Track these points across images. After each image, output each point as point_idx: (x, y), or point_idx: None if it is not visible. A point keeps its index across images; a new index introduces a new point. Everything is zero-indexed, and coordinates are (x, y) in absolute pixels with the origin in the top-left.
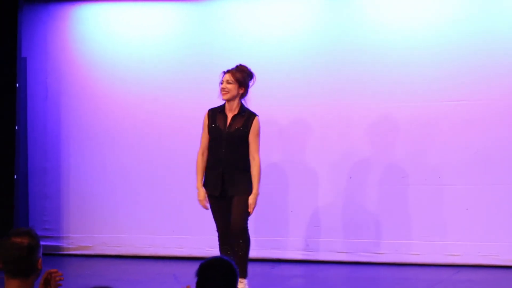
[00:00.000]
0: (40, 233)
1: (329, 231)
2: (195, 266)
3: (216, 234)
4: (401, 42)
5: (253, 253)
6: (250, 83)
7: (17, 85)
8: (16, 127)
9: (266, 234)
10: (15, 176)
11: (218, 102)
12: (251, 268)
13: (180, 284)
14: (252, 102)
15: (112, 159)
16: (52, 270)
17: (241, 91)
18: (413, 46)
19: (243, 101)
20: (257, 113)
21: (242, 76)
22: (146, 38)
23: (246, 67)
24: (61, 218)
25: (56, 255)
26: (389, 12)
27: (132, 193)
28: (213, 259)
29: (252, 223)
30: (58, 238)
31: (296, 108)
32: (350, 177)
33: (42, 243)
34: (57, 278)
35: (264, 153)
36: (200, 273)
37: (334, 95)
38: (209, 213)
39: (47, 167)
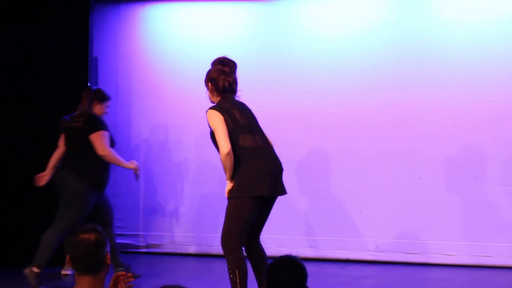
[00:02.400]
0: None
1: (398, 231)
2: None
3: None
4: (468, 39)
5: (323, 253)
6: (214, 74)
7: (89, 84)
8: None
9: (336, 234)
10: None
11: (293, 103)
12: (321, 268)
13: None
14: (323, 99)
15: (182, 158)
16: (121, 272)
17: (211, 90)
18: (479, 44)
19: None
20: (318, 110)
21: (205, 78)
22: (215, 38)
23: (214, 60)
24: (132, 216)
25: (127, 253)
26: (458, 9)
27: (202, 192)
28: (281, 258)
29: (322, 224)
30: (128, 236)
31: (365, 107)
32: (420, 178)
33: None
34: (126, 280)
35: (336, 152)
36: (269, 273)
37: (404, 94)
38: (278, 213)
39: (118, 166)
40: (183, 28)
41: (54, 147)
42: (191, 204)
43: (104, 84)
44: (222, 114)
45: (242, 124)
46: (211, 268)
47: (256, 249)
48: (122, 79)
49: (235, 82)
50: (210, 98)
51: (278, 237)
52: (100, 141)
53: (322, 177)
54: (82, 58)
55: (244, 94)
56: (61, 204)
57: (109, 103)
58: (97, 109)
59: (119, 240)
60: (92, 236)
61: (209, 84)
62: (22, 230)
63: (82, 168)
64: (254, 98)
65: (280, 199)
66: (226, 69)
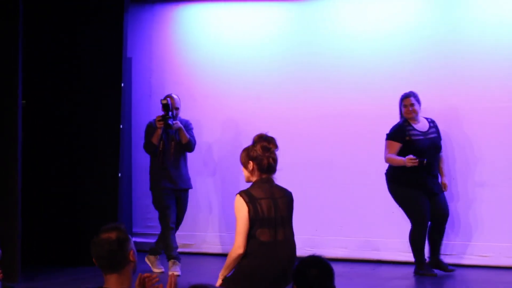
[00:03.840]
0: (143, 231)
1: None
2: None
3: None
4: (498, 39)
5: (354, 253)
6: (258, 152)
7: (122, 84)
8: (121, 126)
9: (367, 235)
10: (120, 174)
11: (327, 102)
12: (352, 269)
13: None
14: (356, 98)
15: (214, 158)
16: (146, 274)
17: (252, 169)
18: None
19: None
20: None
21: (242, 156)
22: (248, 38)
23: (255, 137)
24: None
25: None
26: (494, 8)
27: (233, 192)
28: (309, 257)
29: (354, 224)
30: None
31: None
32: (453, 178)
33: (145, 240)
34: (153, 281)
35: (369, 152)
36: (298, 273)
37: (440, 91)
38: (309, 214)
39: None
40: (216, 28)
41: (86, 146)
42: (223, 204)
43: (137, 84)
44: (248, 205)
45: (266, 217)
46: None
47: None
48: (155, 79)
49: (276, 160)
50: (247, 178)
51: (310, 238)
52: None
53: (354, 177)
54: (116, 58)
55: (277, 93)
56: None
57: (406, 101)
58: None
59: (151, 240)
60: (112, 235)
61: (251, 162)
62: (53, 230)
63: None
64: (286, 97)
65: (311, 200)
66: (272, 146)
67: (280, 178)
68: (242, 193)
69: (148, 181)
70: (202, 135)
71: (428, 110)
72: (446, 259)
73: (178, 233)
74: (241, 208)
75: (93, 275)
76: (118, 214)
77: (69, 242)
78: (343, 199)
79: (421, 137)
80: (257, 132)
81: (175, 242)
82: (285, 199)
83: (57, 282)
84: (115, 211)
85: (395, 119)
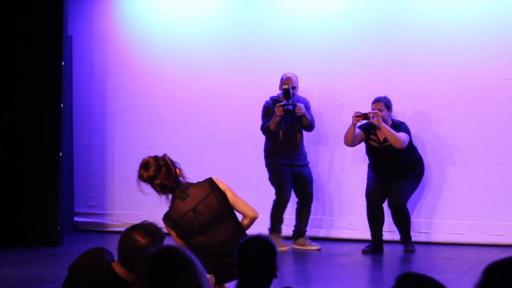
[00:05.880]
0: (85, 210)
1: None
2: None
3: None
4: (444, 21)
5: None
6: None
7: (63, 63)
8: (62, 105)
9: (312, 212)
10: (61, 154)
11: (262, 82)
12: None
13: None
14: (300, 80)
15: (155, 137)
16: None
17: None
18: (455, 24)
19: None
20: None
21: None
22: (191, 16)
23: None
24: (106, 195)
25: (101, 231)
26: None
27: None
28: (252, 237)
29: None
30: (102, 215)
31: (342, 87)
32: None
33: (87, 220)
34: None
35: (316, 132)
36: (239, 251)
37: (378, 73)
38: (254, 192)
39: (92, 145)
40: (158, 7)
41: (27, 125)
42: None
43: (78, 63)
44: (173, 229)
45: (195, 228)
46: None
47: None
48: (97, 57)
49: (173, 176)
50: (165, 193)
51: None
52: None
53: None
54: (56, 36)
55: (219, 72)
56: None
57: (374, 106)
58: None
59: (94, 219)
60: (144, 241)
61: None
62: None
63: None
64: (228, 77)
65: (254, 180)
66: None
67: (225, 157)
68: (165, 219)
69: (90, 161)
70: (149, 114)
71: (373, 87)
72: (416, 237)
73: (119, 212)
74: (170, 232)
75: (37, 255)
76: (59, 193)
77: (10, 222)
78: None
79: (376, 145)
80: (201, 111)
81: (282, 217)
82: (205, 202)
83: (6, 261)
84: (57, 191)
85: (340, 97)
